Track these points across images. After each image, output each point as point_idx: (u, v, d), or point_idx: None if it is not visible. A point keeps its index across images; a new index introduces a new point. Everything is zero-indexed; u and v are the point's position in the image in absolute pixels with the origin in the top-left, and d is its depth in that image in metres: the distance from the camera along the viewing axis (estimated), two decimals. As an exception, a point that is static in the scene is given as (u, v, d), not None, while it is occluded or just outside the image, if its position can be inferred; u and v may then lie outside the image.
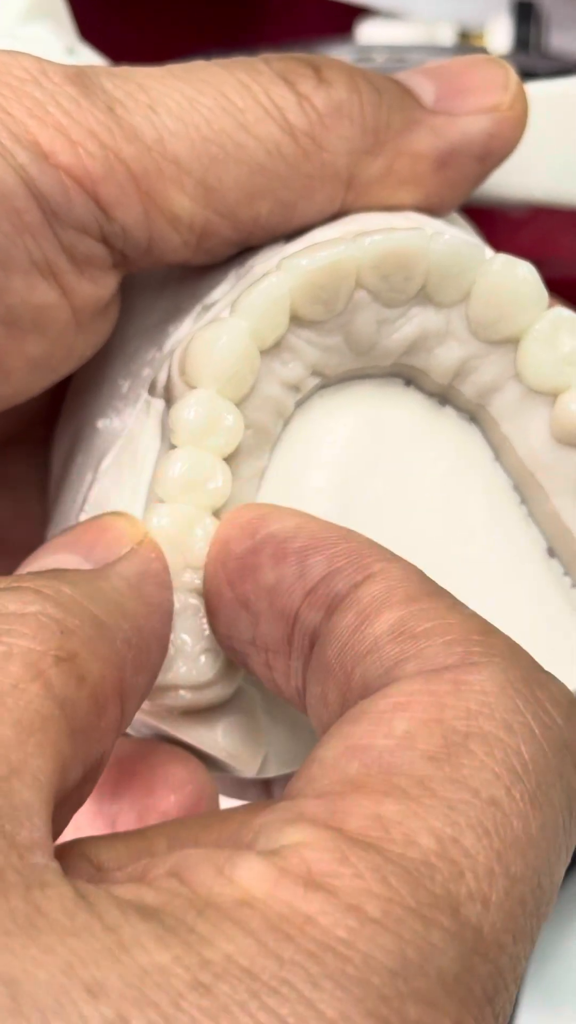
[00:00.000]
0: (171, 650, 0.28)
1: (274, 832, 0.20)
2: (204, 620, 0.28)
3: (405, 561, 0.25)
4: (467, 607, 0.24)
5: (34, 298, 0.29)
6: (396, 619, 0.24)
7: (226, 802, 0.32)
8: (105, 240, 0.30)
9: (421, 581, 0.25)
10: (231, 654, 0.28)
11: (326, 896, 0.19)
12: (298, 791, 0.22)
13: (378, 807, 0.20)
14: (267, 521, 0.27)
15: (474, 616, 0.24)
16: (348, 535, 0.26)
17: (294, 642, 0.26)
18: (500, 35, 0.60)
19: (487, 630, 0.23)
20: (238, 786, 0.34)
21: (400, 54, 0.57)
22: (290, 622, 0.26)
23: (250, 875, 0.19)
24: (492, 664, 0.22)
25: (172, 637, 0.28)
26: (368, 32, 0.67)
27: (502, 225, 0.62)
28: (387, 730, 0.21)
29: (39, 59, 0.29)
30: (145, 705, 0.29)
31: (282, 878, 0.19)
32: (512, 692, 0.22)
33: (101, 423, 0.33)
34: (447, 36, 0.63)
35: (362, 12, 0.70)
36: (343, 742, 0.22)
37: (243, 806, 0.24)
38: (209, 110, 0.30)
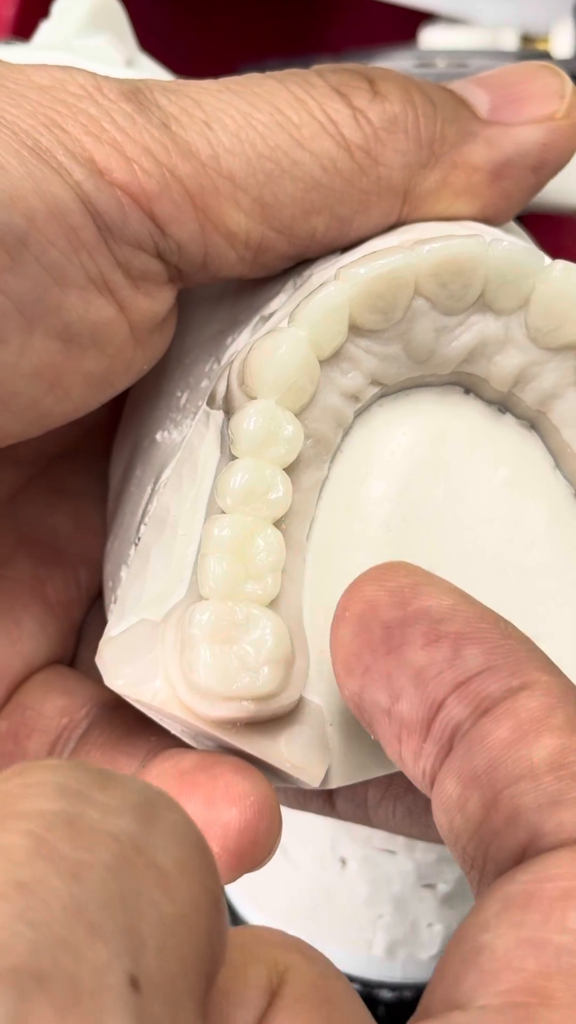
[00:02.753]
0: (234, 661, 0.29)
1: None
2: (268, 632, 0.29)
3: (564, 676, 0.25)
4: None
5: (91, 314, 0.30)
6: (557, 747, 0.24)
7: (288, 814, 0.32)
8: (160, 256, 0.30)
9: None
10: (357, 712, 0.28)
11: None
12: (471, 988, 0.21)
13: (570, 1021, 0.20)
14: (421, 593, 0.26)
15: None
16: (507, 630, 0.26)
17: (433, 729, 0.26)
18: (564, 39, 0.61)
19: None
20: (301, 797, 0.35)
21: (462, 59, 0.57)
22: (433, 709, 0.25)
23: None
24: None
25: (236, 648, 0.29)
26: (431, 37, 0.68)
27: (564, 230, 0.62)
28: (562, 923, 0.21)
29: (94, 75, 0.30)
30: (208, 717, 0.29)
31: None
32: None
33: (160, 435, 0.34)
34: (510, 41, 0.63)
35: (426, 17, 0.70)
36: (515, 932, 0.22)
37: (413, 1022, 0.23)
38: (264, 126, 0.30)
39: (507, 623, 0.26)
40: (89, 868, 0.17)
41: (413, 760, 0.26)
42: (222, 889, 0.20)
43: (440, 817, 0.25)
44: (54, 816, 0.18)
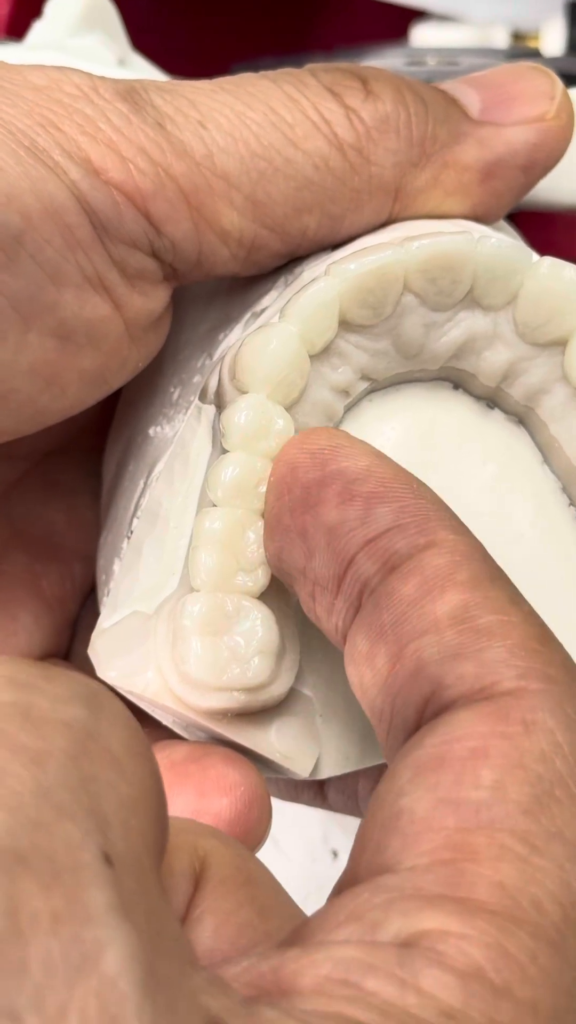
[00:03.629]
0: (225, 652, 0.29)
1: (404, 917, 0.20)
2: (258, 623, 0.29)
3: (470, 534, 0.26)
4: (526, 602, 0.25)
5: (87, 312, 0.30)
6: (459, 602, 0.24)
7: (279, 805, 0.32)
8: (155, 254, 0.31)
9: (484, 561, 0.25)
10: (278, 573, 0.29)
11: (513, 1005, 0.20)
12: (396, 851, 0.22)
13: (497, 874, 0.21)
14: (339, 454, 0.27)
15: (532, 616, 0.25)
16: (418, 490, 0.27)
17: (344, 585, 0.26)
18: (554, 37, 0.61)
19: (544, 637, 0.24)
20: (292, 788, 0.35)
21: (452, 56, 0.58)
22: (344, 565, 0.26)
23: (437, 985, 0.19)
24: (552, 694, 0.23)
25: (226, 639, 0.29)
26: (422, 35, 0.68)
27: (554, 227, 0.62)
28: (474, 780, 0.22)
29: (90, 75, 0.30)
30: (199, 707, 0.30)
31: (468, 984, 0.20)
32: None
33: (152, 430, 0.34)
34: (501, 38, 0.64)
35: (417, 15, 0.70)
36: (431, 793, 0.22)
37: (338, 890, 0.23)
38: (258, 125, 0.30)
39: (420, 484, 0.27)
40: (49, 755, 0.18)
41: (327, 616, 0.27)
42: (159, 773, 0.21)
43: (351, 672, 0.26)
44: (8, 707, 0.19)
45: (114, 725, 0.20)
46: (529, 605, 0.25)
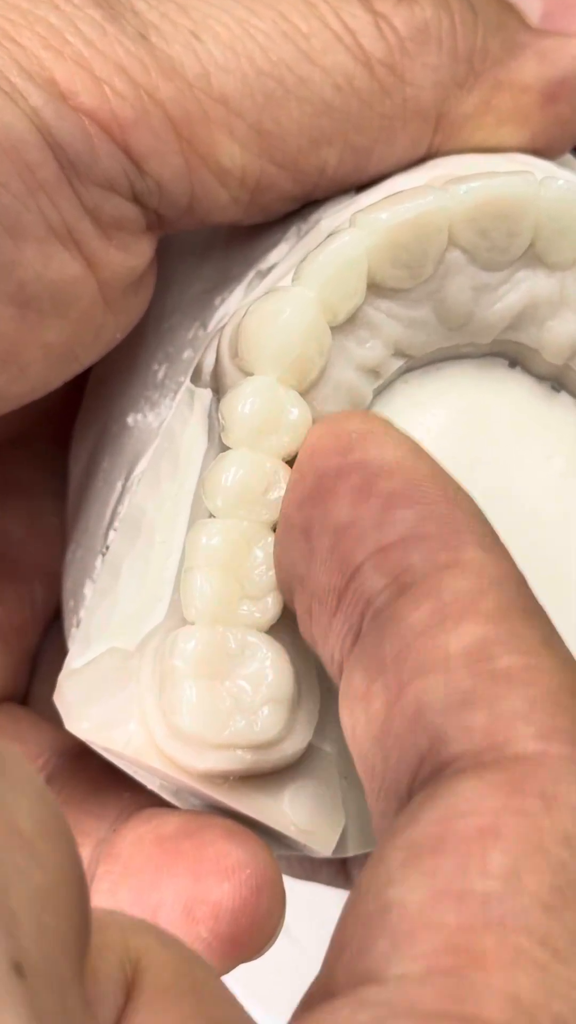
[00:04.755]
0: (227, 701, 0.29)
1: None
2: (268, 664, 0.29)
3: (507, 557, 0.26)
4: (562, 644, 0.25)
5: (52, 272, 0.30)
6: (477, 637, 0.24)
7: (290, 884, 0.32)
8: (137, 199, 0.30)
9: (518, 590, 0.25)
10: (282, 587, 0.29)
11: None
12: (383, 955, 0.21)
13: (511, 984, 0.20)
14: (367, 441, 0.27)
15: (569, 663, 0.24)
16: (454, 496, 0.26)
17: (344, 601, 0.26)
18: None
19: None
20: (308, 866, 0.35)
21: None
22: (347, 575, 0.26)
23: None
24: None
25: (228, 684, 0.29)
26: None
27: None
28: (482, 867, 0.21)
29: None
30: (194, 769, 0.29)
31: None
32: None
33: (132, 418, 0.34)
34: None
35: None
36: (428, 882, 0.22)
37: (307, 1004, 0.23)
38: (265, 36, 0.30)
39: (459, 489, 0.26)
40: None
41: (322, 639, 0.27)
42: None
43: (344, 714, 0.26)
44: None
45: (23, 795, 0.19)
46: (565, 649, 0.24)
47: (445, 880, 0.21)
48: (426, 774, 0.23)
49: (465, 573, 0.25)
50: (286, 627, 0.30)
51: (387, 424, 0.28)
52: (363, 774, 0.25)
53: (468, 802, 0.22)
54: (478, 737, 0.23)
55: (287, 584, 0.28)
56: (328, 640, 0.27)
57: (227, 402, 0.30)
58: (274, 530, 0.29)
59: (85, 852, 0.31)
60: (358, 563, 0.26)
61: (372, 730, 0.25)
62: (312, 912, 0.50)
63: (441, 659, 0.24)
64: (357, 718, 0.25)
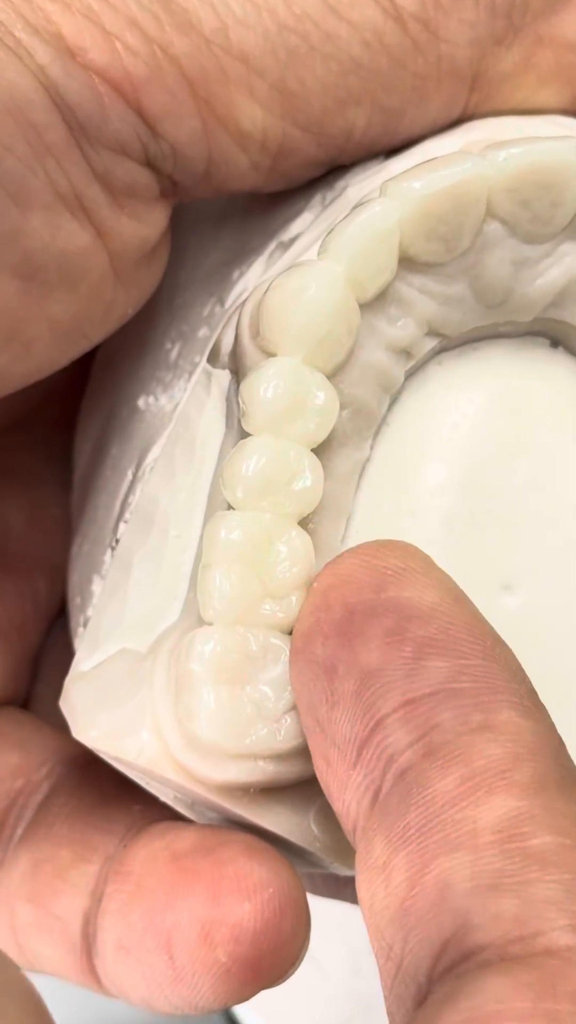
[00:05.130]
0: (248, 707, 0.29)
1: None
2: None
3: (544, 717, 0.25)
4: None
5: (59, 241, 0.30)
6: (509, 812, 0.24)
7: (317, 905, 0.32)
8: (150, 163, 0.30)
9: (555, 760, 0.25)
10: (300, 716, 0.28)
11: None
12: None
13: None
14: (404, 580, 0.27)
15: None
16: (492, 649, 0.26)
17: (366, 754, 0.26)
18: None
19: None
20: (333, 885, 0.35)
21: None
22: (370, 726, 0.26)
23: None
24: None
25: (249, 690, 0.29)
26: None
27: None
28: None
29: None
30: (211, 781, 0.29)
31: None
32: None
33: (143, 401, 0.34)
34: None
35: None
36: None
37: None
38: None
39: (499, 643, 0.26)
40: None
41: (339, 791, 0.26)
42: None
43: (361, 885, 0.25)
44: None
45: (9, 1000, 0.19)
46: None
47: None
48: (448, 962, 0.23)
49: (499, 738, 0.24)
50: None
51: (428, 562, 0.27)
52: (378, 953, 0.25)
53: (495, 1004, 0.22)
54: (507, 926, 0.23)
55: (303, 720, 0.28)
56: (345, 793, 0.26)
57: (248, 385, 0.29)
58: (301, 525, 0.29)
59: (92, 869, 0.31)
60: (383, 714, 0.25)
61: (391, 906, 0.24)
62: (338, 934, 0.51)
63: (469, 835, 0.24)
64: (375, 891, 0.25)
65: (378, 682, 0.26)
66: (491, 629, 0.26)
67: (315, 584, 0.28)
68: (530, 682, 0.26)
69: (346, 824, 0.26)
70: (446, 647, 0.25)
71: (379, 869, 0.25)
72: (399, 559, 0.27)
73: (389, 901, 0.24)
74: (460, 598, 0.26)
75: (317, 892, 0.35)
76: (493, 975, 0.22)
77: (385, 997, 0.25)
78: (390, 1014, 0.24)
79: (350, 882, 0.35)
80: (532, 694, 0.25)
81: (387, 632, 0.26)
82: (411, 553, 0.27)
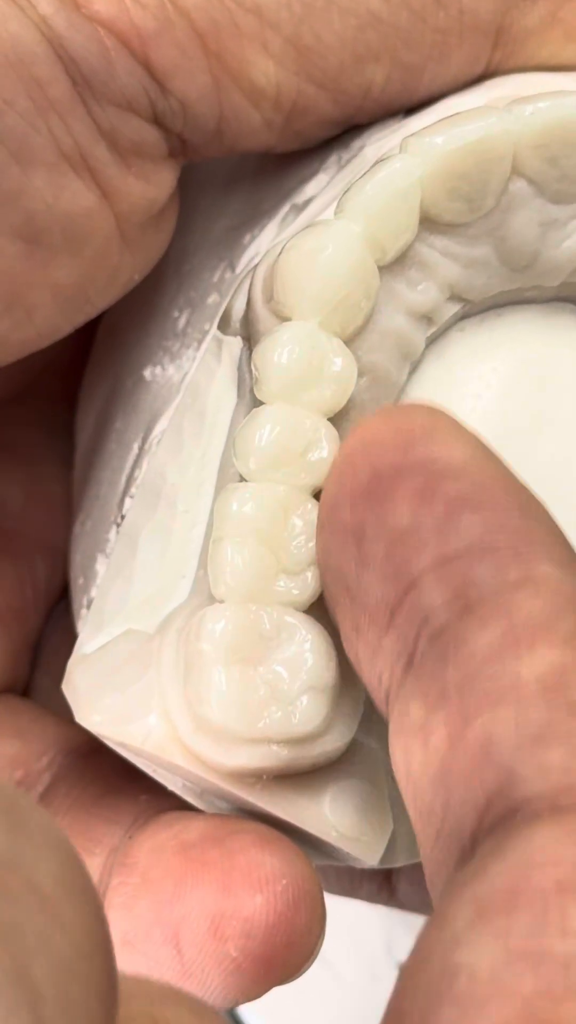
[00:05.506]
0: (261, 689, 0.29)
1: None
2: (307, 647, 0.29)
3: None
4: None
5: (63, 202, 0.30)
6: (553, 663, 0.24)
7: (331, 903, 0.32)
8: (158, 121, 0.30)
9: None
10: (324, 589, 0.28)
11: None
12: None
13: None
14: (432, 438, 0.27)
15: None
16: (527, 505, 0.26)
17: (399, 617, 0.26)
18: None
19: None
20: (347, 878, 0.35)
21: None
22: (403, 588, 0.26)
23: None
24: None
25: (262, 671, 0.29)
26: None
27: None
28: (562, 925, 0.21)
29: None
30: (222, 767, 0.29)
31: None
32: None
33: (149, 372, 0.34)
34: None
35: None
36: (501, 944, 0.21)
37: None
38: None
39: (532, 497, 0.26)
40: None
41: (370, 660, 0.26)
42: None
43: (396, 748, 0.25)
44: None
45: (43, 849, 0.19)
46: None
47: (520, 941, 0.21)
48: (494, 818, 0.23)
49: (539, 591, 0.25)
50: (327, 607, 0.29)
51: (454, 420, 0.27)
52: (417, 817, 0.25)
53: (544, 852, 0.22)
54: (555, 777, 0.23)
55: (331, 591, 0.28)
56: (377, 661, 0.26)
57: (261, 351, 0.30)
58: (315, 496, 0.29)
59: (97, 861, 0.31)
60: (416, 574, 0.26)
61: (431, 767, 0.24)
62: (350, 934, 0.50)
63: (512, 688, 0.24)
64: (412, 753, 0.25)
65: (410, 541, 0.26)
66: (525, 486, 0.26)
67: (339, 452, 0.28)
68: (565, 536, 0.26)
69: (378, 694, 0.26)
70: (480, 503, 0.26)
71: (416, 731, 0.25)
72: (426, 418, 0.27)
73: (428, 762, 0.24)
74: (490, 454, 0.27)
75: (331, 890, 0.35)
76: (543, 825, 0.22)
77: (425, 864, 0.25)
78: (430, 882, 0.24)
79: (366, 878, 0.35)
80: (569, 548, 0.26)
81: (417, 491, 0.26)
82: (437, 411, 0.27)
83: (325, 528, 0.28)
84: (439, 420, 0.27)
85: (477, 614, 0.25)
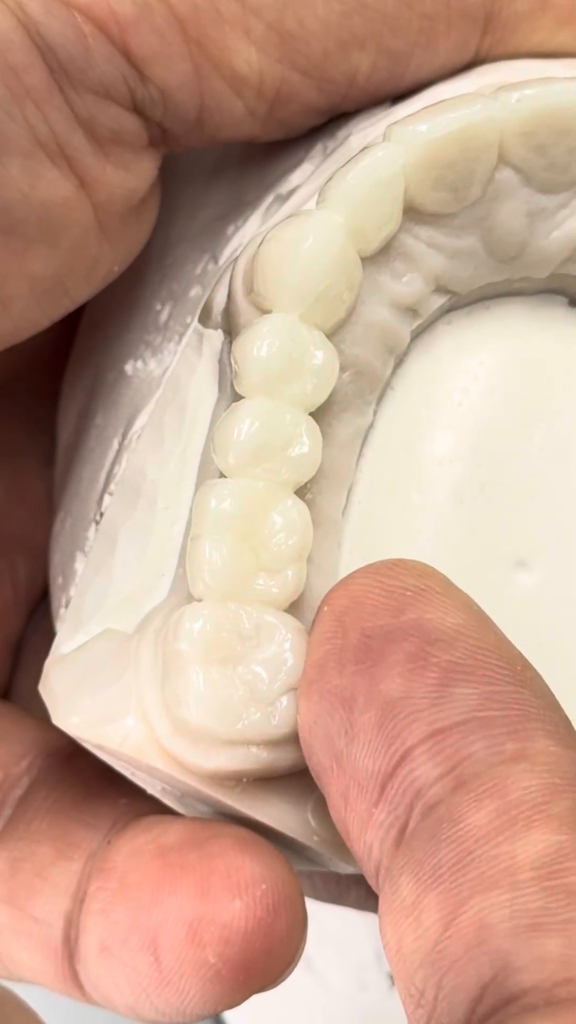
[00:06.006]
0: (240, 690, 0.28)
1: None
2: (287, 647, 0.29)
3: None
4: None
5: (39, 192, 0.30)
6: (550, 846, 0.24)
7: (314, 908, 0.32)
8: (138, 109, 0.30)
9: None
10: (307, 753, 0.28)
11: None
12: None
13: None
14: (424, 600, 0.26)
15: None
16: (522, 674, 0.26)
17: (390, 790, 0.26)
18: None
19: None
20: (334, 886, 0.35)
21: None
22: (396, 759, 0.26)
23: None
24: None
25: (241, 671, 0.29)
26: None
27: None
28: None
29: None
30: (201, 769, 0.29)
31: None
32: None
33: (130, 366, 0.34)
34: None
35: None
36: None
37: None
38: None
39: (529, 668, 0.26)
40: None
41: (358, 831, 0.26)
42: None
43: (387, 928, 0.25)
44: None
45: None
46: None
47: None
48: (488, 1008, 0.23)
49: (535, 768, 0.24)
50: (307, 606, 0.30)
51: (447, 581, 0.27)
52: (407, 998, 0.25)
53: None
54: (551, 968, 0.22)
55: (316, 756, 0.28)
56: (366, 832, 0.26)
57: (240, 344, 0.29)
58: (298, 494, 0.29)
59: (75, 868, 0.31)
60: (409, 746, 0.25)
61: (422, 949, 0.24)
62: (338, 942, 0.50)
63: (507, 872, 0.23)
64: (404, 933, 0.25)
65: (402, 712, 0.25)
66: (519, 653, 0.26)
67: (325, 607, 0.27)
68: (563, 709, 0.26)
69: (367, 867, 0.26)
70: (474, 672, 0.25)
71: (408, 910, 0.24)
72: (416, 578, 0.27)
73: (420, 944, 0.24)
74: (485, 620, 0.26)
75: (318, 897, 0.35)
76: (539, 1020, 0.22)
77: None
78: None
79: (352, 884, 0.35)
80: (566, 721, 0.25)
81: (409, 658, 0.26)
82: (428, 572, 0.27)
83: (313, 691, 0.27)
84: (431, 581, 0.27)
85: (471, 790, 0.24)
